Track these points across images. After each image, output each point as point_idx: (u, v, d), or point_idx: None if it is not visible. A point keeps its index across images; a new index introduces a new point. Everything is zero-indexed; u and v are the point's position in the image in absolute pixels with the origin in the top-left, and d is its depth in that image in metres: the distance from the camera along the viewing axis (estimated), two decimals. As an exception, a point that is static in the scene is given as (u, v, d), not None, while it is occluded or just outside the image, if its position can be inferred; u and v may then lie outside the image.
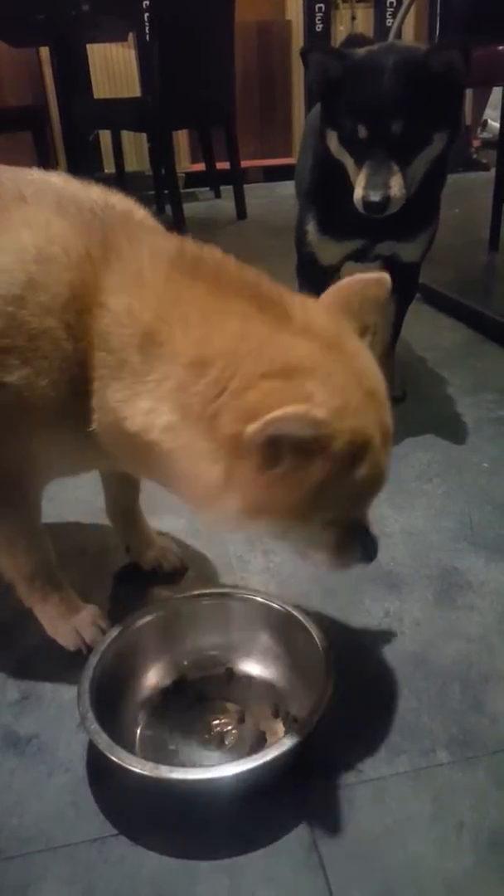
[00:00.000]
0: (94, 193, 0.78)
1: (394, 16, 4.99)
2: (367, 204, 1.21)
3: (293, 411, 0.59)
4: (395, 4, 5.07)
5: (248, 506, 0.67)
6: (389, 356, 1.68)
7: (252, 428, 0.61)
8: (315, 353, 0.67)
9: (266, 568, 1.11)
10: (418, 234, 1.45)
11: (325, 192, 1.41)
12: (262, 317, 0.68)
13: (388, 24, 5.08)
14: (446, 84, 1.18)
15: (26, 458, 0.80)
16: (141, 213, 0.83)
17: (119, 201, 0.80)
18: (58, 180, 0.80)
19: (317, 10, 5.09)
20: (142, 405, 0.69)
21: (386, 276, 0.77)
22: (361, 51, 1.25)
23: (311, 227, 1.45)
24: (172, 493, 0.77)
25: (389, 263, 1.53)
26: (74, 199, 0.75)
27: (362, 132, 1.20)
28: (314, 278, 1.55)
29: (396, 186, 1.20)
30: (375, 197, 1.20)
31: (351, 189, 1.25)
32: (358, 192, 1.22)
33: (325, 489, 0.65)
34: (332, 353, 0.68)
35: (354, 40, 1.56)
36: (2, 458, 0.80)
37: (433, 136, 1.21)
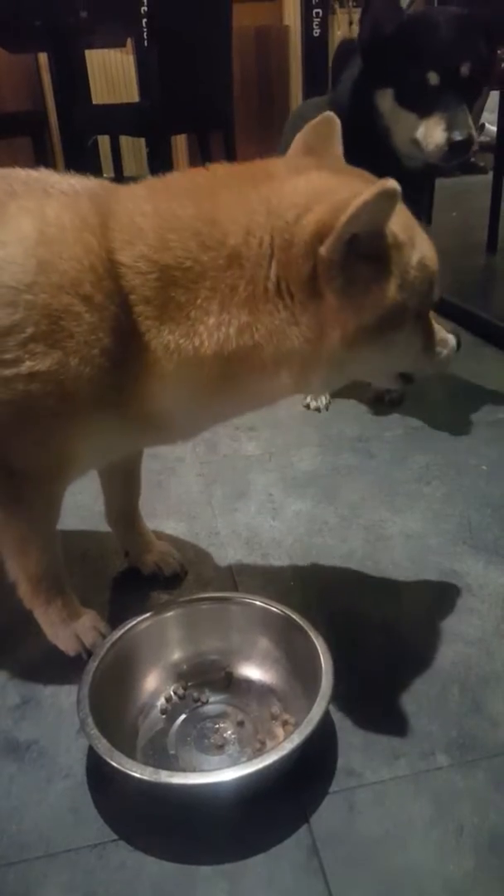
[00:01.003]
0: (69, 178, 0.80)
1: (391, 20, 5.00)
2: (454, 144, 1.24)
3: (360, 202, 0.61)
4: (392, 9, 5.09)
5: (347, 338, 0.68)
6: None
7: (326, 245, 0.63)
8: (322, 179, 0.70)
9: (266, 571, 1.11)
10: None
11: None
12: (255, 186, 0.71)
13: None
14: (493, 35, 1.27)
15: (64, 452, 0.80)
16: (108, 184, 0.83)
17: (90, 180, 0.81)
18: (39, 174, 0.81)
19: (314, 15, 5.09)
20: (207, 325, 0.70)
21: (331, 114, 0.81)
22: (405, 10, 1.33)
23: None
24: (263, 406, 0.85)
25: None
26: (57, 184, 0.77)
27: (434, 79, 1.24)
28: None
29: (472, 127, 1.25)
30: (462, 136, 1.23)
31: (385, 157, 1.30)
32: (439, 137, 1.25)
33: (405, 281, 0.69)
34: (332, 174, 0.72)
35: (349, 46, 1.57)
36: (37, 456, 0.80)
37: (483, 88, 1.31)
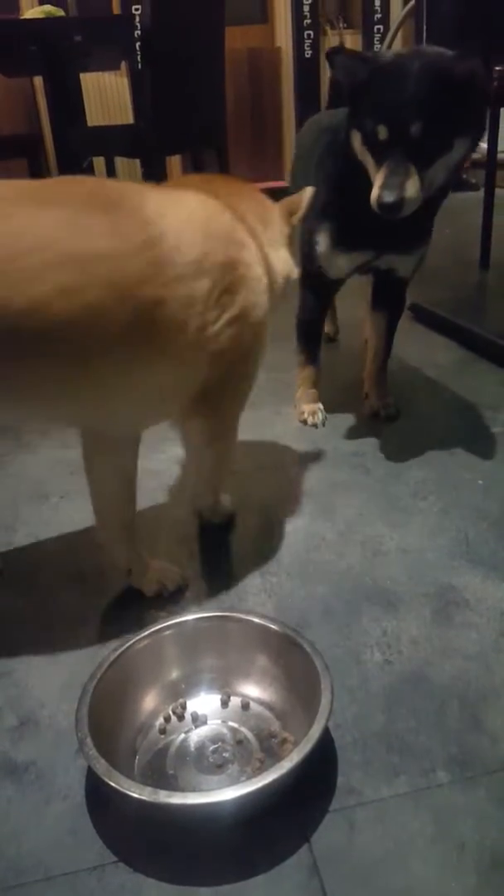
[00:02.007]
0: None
1: (381, 41, 5.08)
2: (381, 205, 1.21)
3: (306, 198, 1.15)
4: (382, 30, 5.16)
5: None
6: (382, 371, 1.69)
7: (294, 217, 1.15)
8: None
9: (263, 589, 1.11)
10: (417, 248, 1.47)
11: (342, 202, 1.42)
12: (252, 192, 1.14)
13: (377, 50, 5.17)
14: (469, 90, 1.18)
15: (256, 376, 1.09)
16: None
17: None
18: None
19: (306, 37, 5.18)
20: (280, 256, 1.09)
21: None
22: (389, 54, 1.26)
23: (322, 240, 1.47)
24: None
25: (381, 278, 1.57)
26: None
27: (382, 133, 1.21)
28: (319, 293, 1.60)
29: (412, 189, 1.20)
30: (389, 198, 1.20)
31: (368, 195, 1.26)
32: (374, 192, 1.23)
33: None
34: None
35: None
36: (243, 391, 1.08)
37: (454, 142, 1.21)
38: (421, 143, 1.19)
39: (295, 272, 1.14)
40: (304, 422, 1.65)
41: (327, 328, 2.13)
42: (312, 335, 1.68)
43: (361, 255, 1.46)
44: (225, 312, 0.94)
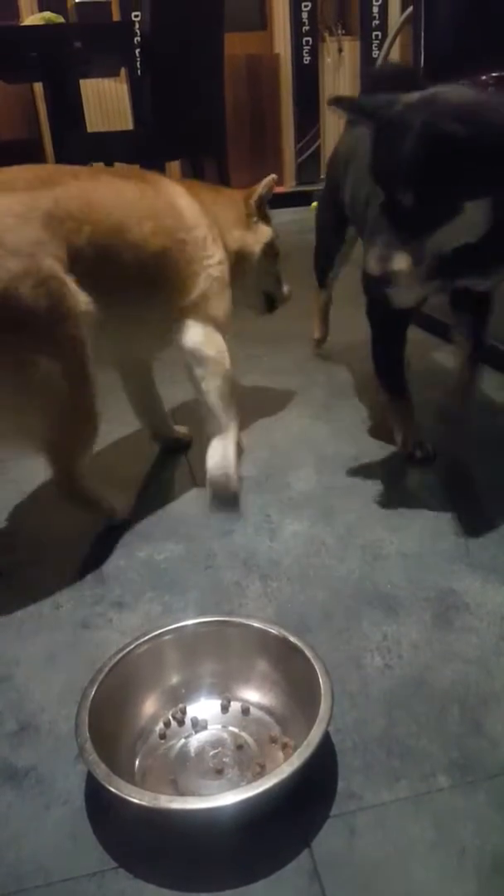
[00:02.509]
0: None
1: (380, 48, 5.09)
2: (368, 277, 1.10)
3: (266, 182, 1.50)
4: (380, 37, 5.19)
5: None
6: (474, 374, 1.60)
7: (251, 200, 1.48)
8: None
9: (263, 593, 1.11)
10: (497, 270, 1.26)
11: None
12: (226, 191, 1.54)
13: (375, 56, 5.19)
14: (477, 151, 0.99)
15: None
16: None
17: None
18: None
19: (304, 43, 5.20)
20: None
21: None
22: (402, 101, 1.07)
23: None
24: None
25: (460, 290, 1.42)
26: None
27: (381, 196, 1.09)
28: (387, 322, 1.44)
29: (402, 263, 1.06)
30: (376, 271, 1.07)
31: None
32: (366, 260, 1.10)
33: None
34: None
35: (387, 74, 1.51)
36: (228, 311, 1.38)
37: (464, 206, 1.04)
38: (413, 213, 1.05)
39: (251, 245, 1.48)
40: (412, 455, 1.49)
41: (317, 333, 2.17)
42: (392, 368, 1.50)
43: (434, 284, 1.24)
44: (211, 251, 1.33)
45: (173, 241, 1.25)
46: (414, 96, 1.07)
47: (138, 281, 1.21)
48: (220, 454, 1.32)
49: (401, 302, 1.25)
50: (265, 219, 1.51)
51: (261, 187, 1.47)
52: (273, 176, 1.52)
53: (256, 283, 1.53)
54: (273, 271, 1.56)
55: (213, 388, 1.31)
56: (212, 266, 1.33)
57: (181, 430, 1.61)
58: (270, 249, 1.51)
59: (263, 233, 1.49)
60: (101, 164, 1.22)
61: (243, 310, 1.52)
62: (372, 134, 1.10)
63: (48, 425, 1.10)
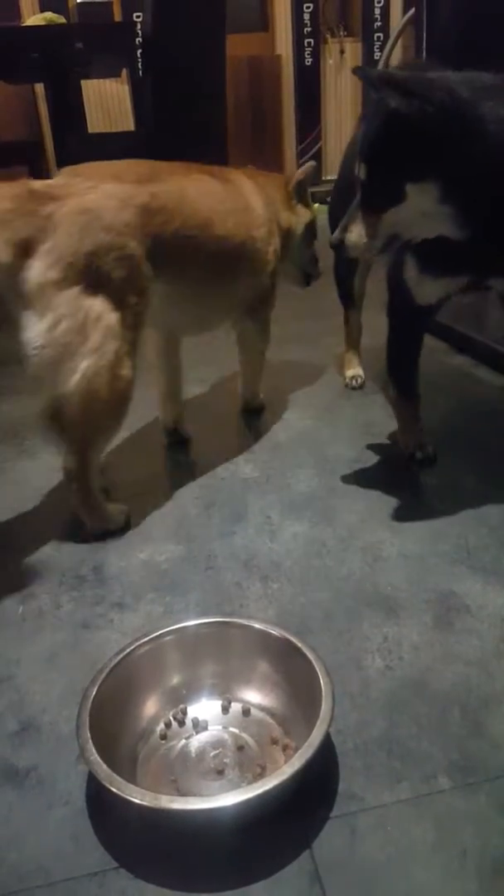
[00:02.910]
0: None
1: (382, 49, 5.10)
2: (331, 242, 1.19)
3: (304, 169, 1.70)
4: (382, 38, 5.19)
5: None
6: None
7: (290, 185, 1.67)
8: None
9: (264, 594, 1.11)
10: None
11: None
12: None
13: (377, 58, 5.19)
14: (414, 129, 1.02)
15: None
16: None
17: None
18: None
19: (306, 44, 5.20)
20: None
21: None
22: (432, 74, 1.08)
23: (410, 264, 1.30)
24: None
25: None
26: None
27: (358, 170, 1.14)
28: (408, 319, 1.44)
29: (355, 233, 1.14)
30: (334, 238, 1.17)
31: None
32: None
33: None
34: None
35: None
36: (274, 293, 1.68)
37: (404, 187, 1.07)
38: (366, 186, 1.11)
39: (296, 225, 1.68)
40: (413, 456, 1.50)
41: (349, 369, 1.95)
42: (404, 367, 1.49)
43: (453, 281, 1.29)
44: (271, 246, 1.57)
45: (248, 237, 1.49)
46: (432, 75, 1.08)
47: (214, 268, 1.43)
48: (250, 391, 1.80)
49: (421, 297, 1.33)
50: (306, 202, 1.71)
51: (300, 173, 1.68)
52: (312, 163, 1.75)
53: (298, 260, 1.74)
54: (311, 250, 1.76)
55: (250, 360, 1.75)
56: (270, 261, 1.58)
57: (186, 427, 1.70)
58: (310, 230, 1.72)
59: (304, 214, 1.70)
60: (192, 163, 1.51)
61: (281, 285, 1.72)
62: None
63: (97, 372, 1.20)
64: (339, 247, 1.17)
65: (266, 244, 1.55)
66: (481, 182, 1.06)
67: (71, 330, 1.15)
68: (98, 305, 1.18)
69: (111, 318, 1.19)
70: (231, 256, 1.45)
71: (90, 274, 1.17)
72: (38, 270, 1.13)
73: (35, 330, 1.15)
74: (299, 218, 1.68)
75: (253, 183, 1.56)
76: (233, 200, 1.47)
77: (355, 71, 1.13)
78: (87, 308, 1.17)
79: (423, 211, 1.10)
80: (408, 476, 1.45)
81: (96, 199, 1.20)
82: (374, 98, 1.07)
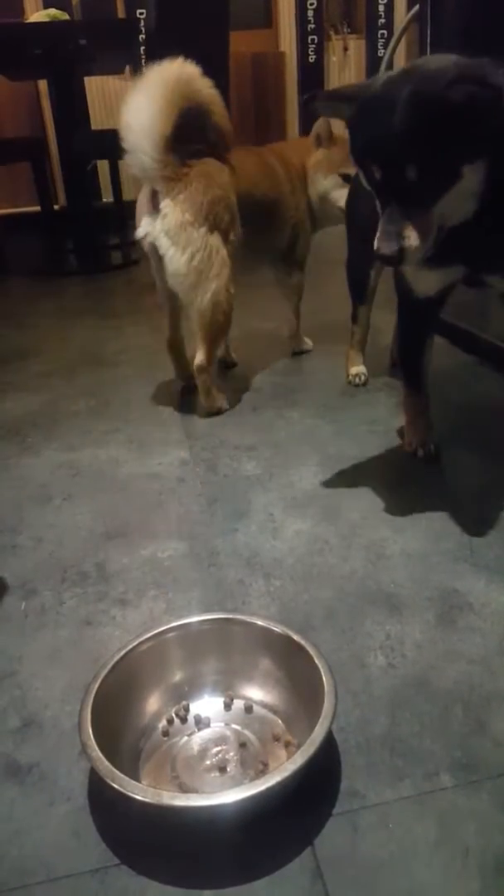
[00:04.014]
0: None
1: (385, 46, 5.09)
2: (380, 256, 1.09)
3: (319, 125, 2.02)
4: (386, 35, 5.17)
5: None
6: None
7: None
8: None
9: (267, 592, 1.11)
10: None
11: None
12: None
13: (381, 55, 5.18)
14: (471, 112, 0.99)
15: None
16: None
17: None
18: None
19: (309, 41, 5.19)
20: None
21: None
22: (379, 80, 1.09)
23: None
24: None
25: None
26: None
27: (378, 174, 1.07)
28: (411, 312, 1.44)
29: (412, 237, 1.06)
30: (387, 250, 1.07)
31: None
32: (375, 243, 1.10)
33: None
34: None
35: None
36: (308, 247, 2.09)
37: (462, 170, 1.04)
38: (418, 185, 1.04)
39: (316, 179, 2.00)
40: (415, 454, 1.51)
41: (353, 366, 1.94)
42: (411, 361, 1.49)
43: (451, 271, 1.27)
44: (297, 201, 1.97)
45: (277, 194, 1.91)
46: (392, 73, 1.09)
47: (256, 218, 1.81)
48: (290, 332, 2.18)
49: (420, 288, 1.33)
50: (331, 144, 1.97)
51: (316, 127, 1.99)
52: (322, 120, 1.98)
53: (329, 204, 2.01)
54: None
55: (292, 302, 2.12)
56: (294, 215, 1.97)
57: (233, 355, 2.14)
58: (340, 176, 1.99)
59: (327, 164, 1.98)
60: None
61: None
62: (352, 117, 1.10)
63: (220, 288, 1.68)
64: (395, 259, 1.08)
65: (290, 202, 1.94)
66: None
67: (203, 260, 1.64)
68: (215, 241, 1.65)
69: (224, 250, 1.67)
70: (266, 209, 1.88)
71: (212, 214, 1.63)
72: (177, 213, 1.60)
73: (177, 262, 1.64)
74: (318, 175, 1.98)
75: (277, 154, 1.95)
76: (264, 167, 1.90)
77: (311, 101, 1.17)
78: (211, 244, 1.64)
79: (472, 190, 1.07)
80: (411, 474, 1.45)
81: (209, 164, 1.66)
82: (408, 99, 1.02)
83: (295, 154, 1.98)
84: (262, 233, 1.86)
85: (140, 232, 1.65)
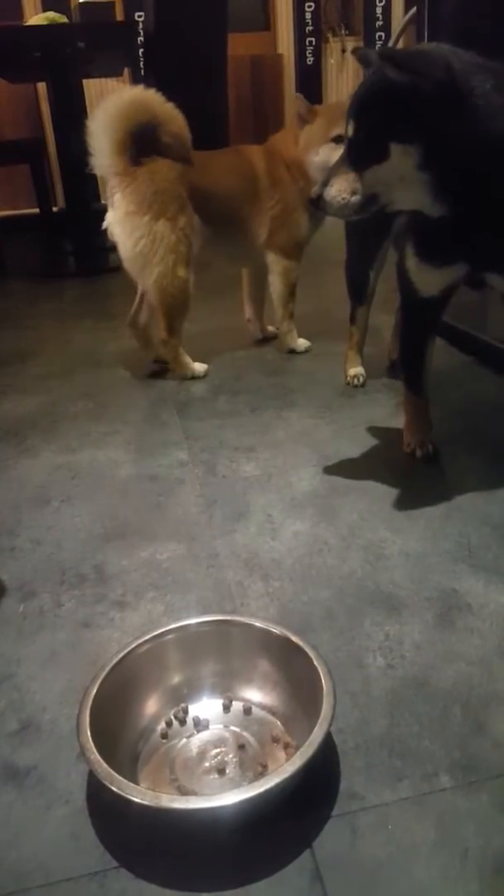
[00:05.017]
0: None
1: (383, 48, 5.09)
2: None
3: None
4: (384, 37, 5.18)
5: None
6: None
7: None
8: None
9: (265, 593, 1.11)
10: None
11: (421, 215, 1.25)
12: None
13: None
14: (412, 101, 1.07)
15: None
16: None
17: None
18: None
19: (307, 43, 5.19)
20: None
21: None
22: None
23: (409, 254, 1.33)
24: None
25: None
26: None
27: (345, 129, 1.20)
28: (414, 312, 1.44)
29: (336, 188, 1.18)
30: (313, 191, 1.21)
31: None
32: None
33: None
34: None
35: None
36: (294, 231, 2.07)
37: (389, 148, 1.12)
38: (352, 141, 1.17)
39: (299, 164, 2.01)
40: (413, 454, 1.51)
41: (351, 367, 1.93)
42: (412, 361, 1.50)
43: (453, 270, 1.29)
44: (274, 196, 2.03)
45: (247, 188, 2.00)
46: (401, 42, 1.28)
47: (229, 213, 1.99)
48: (278, 320, 2.20)
49: (423, 287, 1.34)
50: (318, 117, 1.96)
51: (296, 109, 2.01)
52: (297, 99, 2.02)
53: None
54: None
55: (276, 292, 2.15)
56: (273, 208, 2.02)
57: (271, 328, 2.29)
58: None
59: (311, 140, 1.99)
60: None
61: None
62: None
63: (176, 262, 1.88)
64: (317, 202, 1.21)
65: (267, 195, 2.01)
66: (459, 154, 1.11)
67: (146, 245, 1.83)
68: (161, 228, 1.83)
69: (171, 237, 1.84)
70: (234, 202, 1.99)
71: (161, 201, 1.82)
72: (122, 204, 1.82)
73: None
74: (311, 151, 1.96)
75: (259, 149, 2.04)
76: (235, 163, 2.01)
77: (355, 51, 1.21)
78: (155, 230, 1.82)
79: (402, 174, 1.14)
80: (409, 474, 1.45)
81: (158, 163, 1.85)
82: (368, 71, 1.16)
83: (284, 145, 2.02)
84: (234, 223, 2.00)
85: (104, 224, 1.88)
